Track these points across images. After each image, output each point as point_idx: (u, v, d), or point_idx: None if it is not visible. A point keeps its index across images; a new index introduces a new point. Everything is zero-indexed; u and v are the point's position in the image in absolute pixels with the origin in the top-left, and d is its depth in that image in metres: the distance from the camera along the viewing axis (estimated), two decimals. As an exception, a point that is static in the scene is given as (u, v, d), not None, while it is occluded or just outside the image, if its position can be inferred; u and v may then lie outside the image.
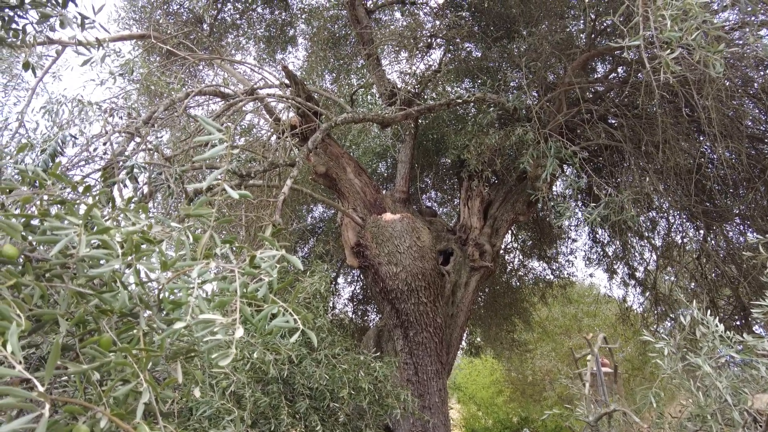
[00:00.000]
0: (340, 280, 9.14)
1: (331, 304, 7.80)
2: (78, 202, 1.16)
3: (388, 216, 5.26)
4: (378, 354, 4.11)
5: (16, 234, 0.89)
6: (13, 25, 1.66)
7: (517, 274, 9.26)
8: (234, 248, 1.28)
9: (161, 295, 1.21)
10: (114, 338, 1.09)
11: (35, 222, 1.17)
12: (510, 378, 14.00)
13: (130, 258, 1.11)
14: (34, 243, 1.22)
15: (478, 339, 10.41)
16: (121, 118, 3.85)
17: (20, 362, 0.74)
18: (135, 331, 1.17)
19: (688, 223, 6.58)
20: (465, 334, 8.46)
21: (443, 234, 6.11)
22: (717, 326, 2.71)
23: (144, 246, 1.17)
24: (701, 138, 5.41)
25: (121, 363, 1.00)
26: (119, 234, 1.14)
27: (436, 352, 5.06)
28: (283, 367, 3.19)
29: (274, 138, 5.18)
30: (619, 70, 6.34)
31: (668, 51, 1.84)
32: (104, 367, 1.03)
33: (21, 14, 1.68)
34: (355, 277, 9.18)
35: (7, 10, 1.57)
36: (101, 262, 1.12)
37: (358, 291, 9.16)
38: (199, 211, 1.14)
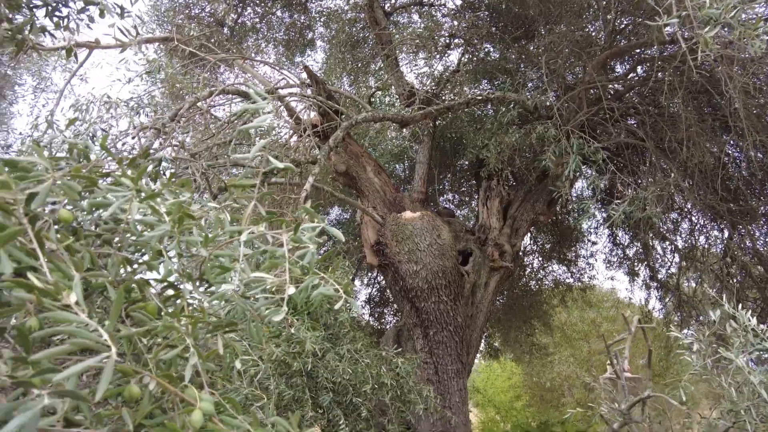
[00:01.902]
0: (357, 282, 9.16)
1: (348, 305, 7.80)
2: (123, 174, 1.19)
3: (407, 214, 5.27)
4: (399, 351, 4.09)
5: (74, 194, 0.91)
6: (57, 13, 1.71)
7: (537, 277, 9.17)
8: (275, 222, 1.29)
9: (203, 267, 1.23)
10: (160, 305, 1.11)
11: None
12: (529, 383, 13.83)
13: (174, 229, 1.13)
14: (82, 217, 1.25)
15: (497, 343, 10.32)
16: (147, 116, 3.92)
17: (84, 311, 0.76)
18: (179, 301, 1.19)
19: (712, 224, 6.46)
20: (484, 336, 8.39)
21: (462, 234, 6.08)
22: (750, 320, 2.65)
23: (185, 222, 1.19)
24: (726, 135, 5.32)
25: (169, 326, 1.02)
26: (164, 206, 1.16)
27: (457, 351, 5.02)
28: (307, 360, 3.20)
29: (294, 137, 5.23)
30: (639, 69, 6.28)
31: (707, 29, 1.81)
32: (152, 331, 1.05)
33: (64, 3, 1.74)
34: (372, 280, 9.19)
35: (51, -3, 1.63)
36: (146, 232, 1.14)
37: (375, 293, 9.16)
38: (243, 182, 1.16)
